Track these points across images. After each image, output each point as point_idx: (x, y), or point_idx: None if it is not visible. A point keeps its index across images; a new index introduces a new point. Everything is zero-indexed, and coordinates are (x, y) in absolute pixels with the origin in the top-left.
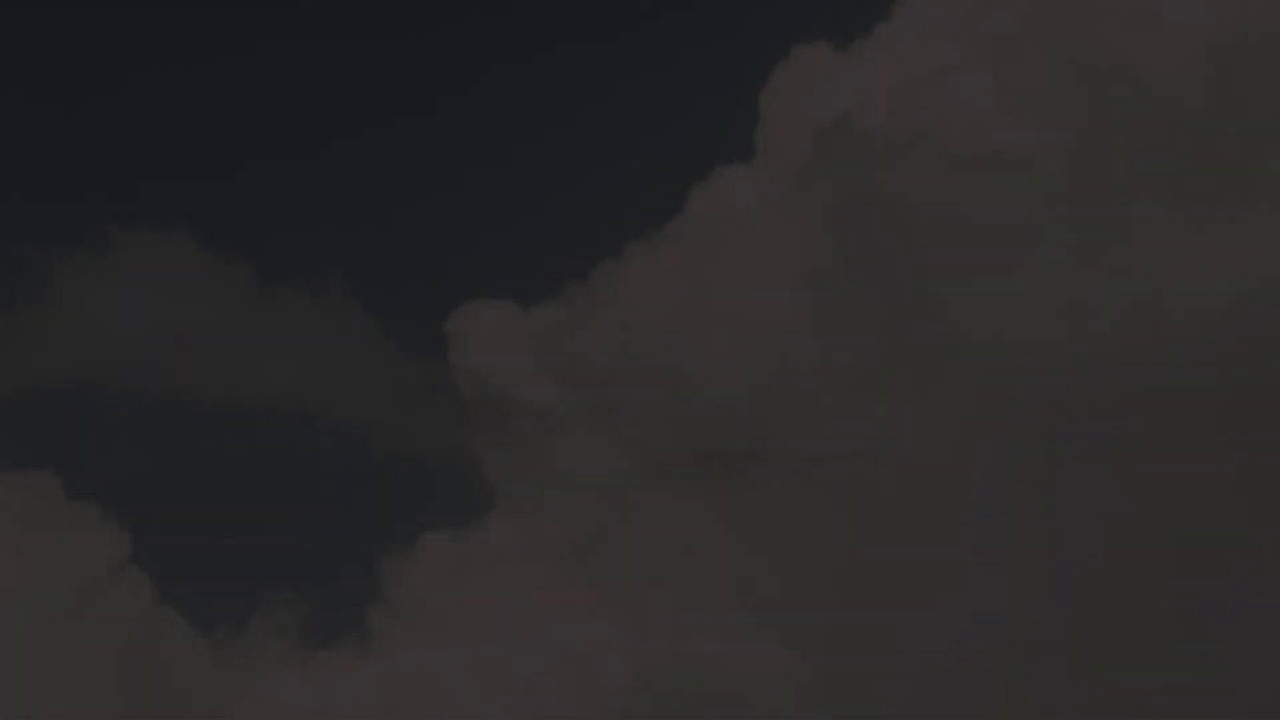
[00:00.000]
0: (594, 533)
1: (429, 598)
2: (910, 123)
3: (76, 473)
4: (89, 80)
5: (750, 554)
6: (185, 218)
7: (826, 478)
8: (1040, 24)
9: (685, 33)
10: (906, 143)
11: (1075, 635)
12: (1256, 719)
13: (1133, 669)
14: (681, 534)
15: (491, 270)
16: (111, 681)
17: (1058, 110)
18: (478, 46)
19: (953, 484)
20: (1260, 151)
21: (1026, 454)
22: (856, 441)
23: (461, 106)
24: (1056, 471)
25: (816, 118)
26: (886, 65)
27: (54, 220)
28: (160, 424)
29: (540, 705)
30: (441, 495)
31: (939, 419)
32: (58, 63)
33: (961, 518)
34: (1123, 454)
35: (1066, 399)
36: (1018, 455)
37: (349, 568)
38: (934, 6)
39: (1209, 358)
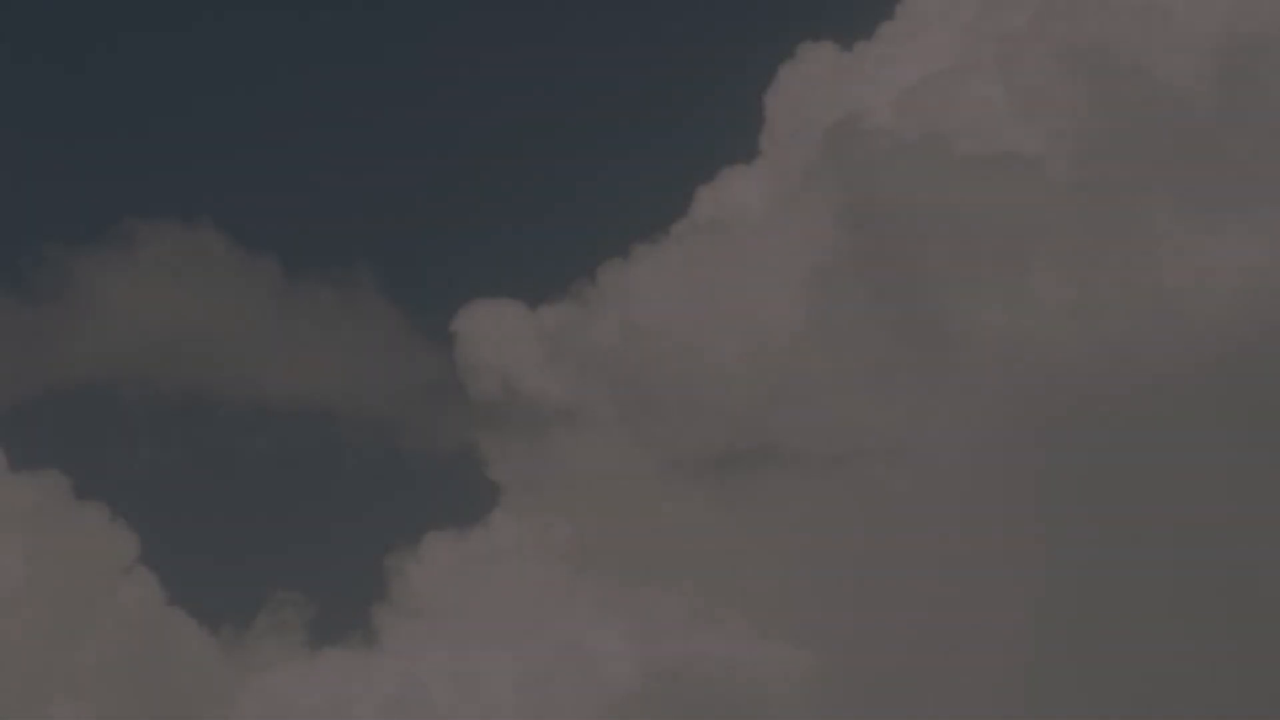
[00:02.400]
0: (601, 532)
1: (435, 597)
2: (917, 123)
3: (85, 473)
4: (111, 75)
5: (759, 554)
6: (209, 213)
7: (834, 477)
8: (1047, 23)
9: (690, 33)
10: (913, 143)
11: (1087, 635)
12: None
13: (1143, 669)
14: (690, 533)
15: (498, 269)
16: (119, 681)
17: (1065, 110)
18: (483, 48)
19: (963, 484)
20: (1269, 151)
21: (1037, 454)
22: (864, 441)
23: (467, 107)
24: (1066, 471)
25: (822, 118)
26: (893, 65)
27: (76, 215)
28: (177, 422)
29: (547, 705)
30: (447, 494)
31: (949, 419)
32: (81, 58)
33: (972, 517)
34: (1132, 453)
35: (1076, 399)
36: (1028, 455)
37: (355, 566)
38: (939, 6)
39: (1218, 356)
